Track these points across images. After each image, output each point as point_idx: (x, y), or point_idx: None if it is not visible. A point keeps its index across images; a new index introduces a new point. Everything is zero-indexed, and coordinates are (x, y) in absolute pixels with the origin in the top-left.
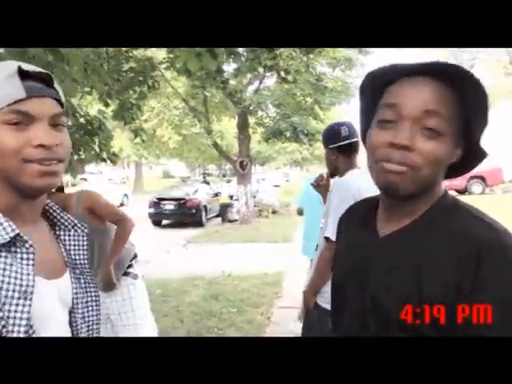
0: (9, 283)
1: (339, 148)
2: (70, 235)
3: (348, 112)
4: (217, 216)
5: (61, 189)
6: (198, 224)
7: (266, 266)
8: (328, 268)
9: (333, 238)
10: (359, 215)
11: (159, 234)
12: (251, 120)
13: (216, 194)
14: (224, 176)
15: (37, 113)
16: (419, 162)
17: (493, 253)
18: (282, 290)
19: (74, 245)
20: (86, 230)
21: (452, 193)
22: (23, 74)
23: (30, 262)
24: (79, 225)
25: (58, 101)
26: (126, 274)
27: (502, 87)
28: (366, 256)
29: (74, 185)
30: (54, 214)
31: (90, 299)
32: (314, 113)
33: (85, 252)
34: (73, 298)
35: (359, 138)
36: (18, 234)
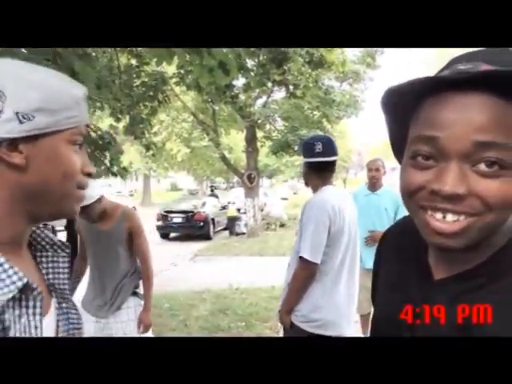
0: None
1: (311, 164)
2: (47, 256)
3: (356, 125)
4: (224, 229)
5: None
6: (206, 237)
7: (273, 280)
8: (302, 287)
9: (313, 259)
10: (409, 244)
11: (167, 247)
12: (259, 133)
13: (224, 207)
14: (232, 189)
15: (83, 137)
16: (480, 209)
17: None
18: None
19: (53, 267)
20: (67, 250)
21: None
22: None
23: (38, 311)
24: (59, 243)
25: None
26: (133, 293)
27: None
28: (418, 298)
29: None
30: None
31: (72, 326)
32: (322, 126)
33: (65, 275)
34: (57, 327)
35: (336, 157)
36: (25, 284)
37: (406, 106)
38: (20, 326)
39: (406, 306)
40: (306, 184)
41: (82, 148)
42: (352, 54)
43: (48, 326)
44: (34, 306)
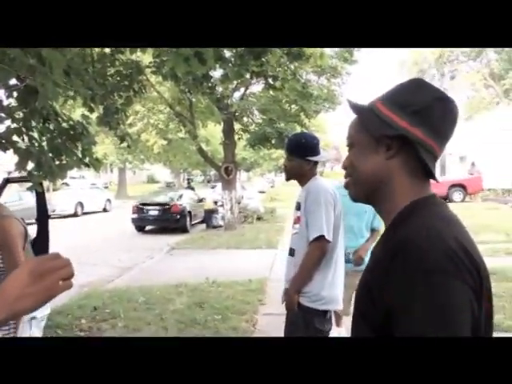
0: None
1: (311, 161)
2: None
3: (333, 120)
4: (201, 222)
5: (42, 193)
6: (183, 230)
7: (250, 273)
8: (317, 267)
9: (329, 237)
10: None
11: (143, 239)
12: (237, 126)
13: (201, 200)
14: (209, 182)
15: None
16: (350, 172)
17: (403, 250)
18: (267, 296)
19: None
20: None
21: None
22: None
23: None
24: None
25: None
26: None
27: (481, 99)
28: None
29: (55, 190)
30: None
31: None
32: (299, 120)
33: None
34: None
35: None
36: None
37: None
38: None
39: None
40: (295, 178)
41: None
42: (330, 48)
43: None
44: None
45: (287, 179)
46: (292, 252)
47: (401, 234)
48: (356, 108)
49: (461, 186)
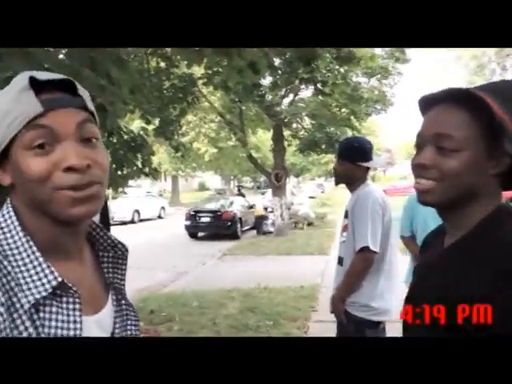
0: (56, 334)
1: (361, 166)
2: (109, 256)
3: (386, 122)
4: (252, 228)
5: (105, 202)
6: (234, 236)
7: (301, 279)
8: (362, 277)
9: (374, 248)
10: (439, 236)
11: (195, 246)
12: (286, 132)
13: (251, 207)
14: (259, 188)
15: (60, 128)
16: (438, 176)
17: None
18: (318, 303)
19: (113, 267)
20: (126, 252)
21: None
22: (38, 86)
23: (77, 307)
24: (120, 245)
25: (86, 109)
26: None
27: None
28: (428, 270)
29: (114, 198)
30: (94, 233)
31: (129, 323)
32: (350, 123)
33: (123, 274)
34: (113, 323)
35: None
36: (60, 282)
37: (422, 112)
38: (57, 323)
39: (424, 271)
40: (345, 183)
41: (61, 139)
42: (380, 48)
43: (102, 322)
44: (74, 304)
45: (337, 184)
46: (340, 261)
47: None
48: (491, 113)
49: None
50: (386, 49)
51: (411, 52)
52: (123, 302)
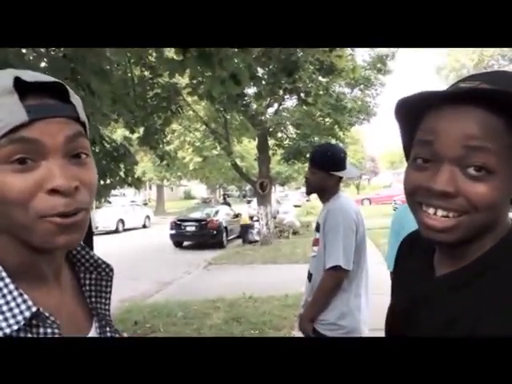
0: None
1: (334, 175)
2: (91, 278)
3: (369, 131)
4: (238, 237)
5: None
6: (219, 245)
7: (287, 288)
8: (332, 295)
9: (346, 266)
10: (421, 247)
11: (181, 255)
12: (271, 141)
13: (237, 215)
14: (244, 197)
15: (48, 141)
16: (467, 208)
17: None
18: None
19: (96, 290)
20: (110, 273)
21: None
22: (24, 88)
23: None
24: (104, 265)
25: (77, 119)
26: None
27: None
28: (420, 296)
29: (97, 207)
30: (74, 252)
31: None
32: (333, 133)
33: (107, 298)
34: None
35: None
36: (35, 312)
37: (414, 115)
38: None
39: (414, 300)
40: (317, 193)
41: (47, 154)
42: (362, 59)
43: None
44: (52, 333)
45: (308, 193)
46: (310, 276)
47: None
48: None
49: None
50: (368, 60)
51: (393, 63)
52: (108, 329)
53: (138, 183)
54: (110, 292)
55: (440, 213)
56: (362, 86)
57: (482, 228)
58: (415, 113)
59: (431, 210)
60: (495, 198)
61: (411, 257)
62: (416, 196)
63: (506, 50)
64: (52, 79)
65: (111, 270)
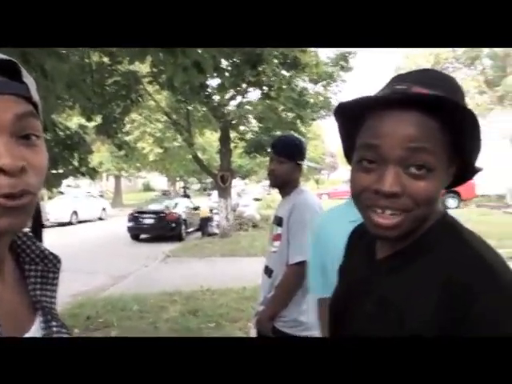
0: None
1: (298, 166)
2: (37, 270)
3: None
4: (197, 230)
5: (37, 202)
6: (178, 238)
7: (245, 280)
8: (294, 293)
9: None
10: (367, 237)
11: (138, 248)
12: (233, 134)
13: (196, 208)
14: (205, 190)
15: None
16: (411, 206)
17: (487, 293)
18: None
19: (41, 283)
20: (58, 265)
21: None
22: None
23: None
24: (51, 257)
25: (29, 99)
26: None
27: (476, 105)
28: (360, 280)
29: (50, 198)
30: (19, 241)
31: None
32: (295, 127)
33: (54, 291)
34: None
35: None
36: None
37: (354, 118)
38: None
39: (355, 284)
40: (283, 185)
41: None
42: (325, 56)
43: None
44: None
45: (274, 185)
46: (269, 272)
47: (470, 269)
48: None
49: (455, 193)
50: (332, 56)
51: (354, 61)
52: (54, 323)
53: (92, 173)
54: (57, 285)
55: (388, 212)
56: (324, 81)
57: (423, 220)
58: (355, 117)
59: (379, 210)
60: (434, 193)
61: (358, 247)
62: (364, 197)
63: (460, 53)
64: (5, 57)
65: (59, 261)
